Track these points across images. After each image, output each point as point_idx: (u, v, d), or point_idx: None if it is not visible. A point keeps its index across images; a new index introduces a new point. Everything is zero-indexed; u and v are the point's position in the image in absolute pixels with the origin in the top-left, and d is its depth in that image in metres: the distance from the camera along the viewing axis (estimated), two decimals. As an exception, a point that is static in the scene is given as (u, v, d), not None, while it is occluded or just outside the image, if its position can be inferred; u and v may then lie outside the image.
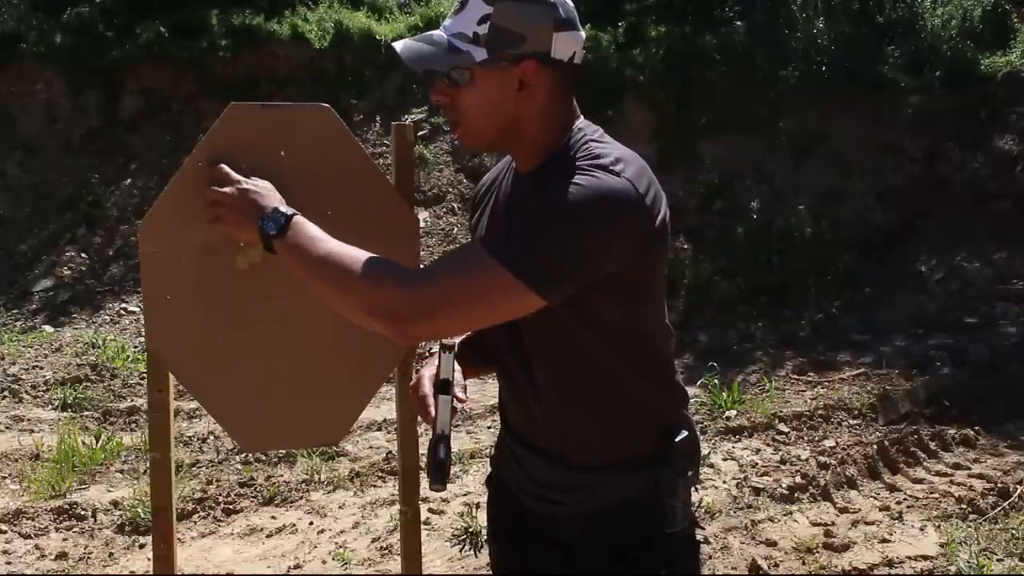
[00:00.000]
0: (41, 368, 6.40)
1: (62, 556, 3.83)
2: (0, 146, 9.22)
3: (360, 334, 1.57)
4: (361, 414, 2.04)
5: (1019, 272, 6.87)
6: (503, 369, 1.70)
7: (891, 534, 3.86)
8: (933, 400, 5.28)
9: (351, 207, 1.83)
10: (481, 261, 1.42)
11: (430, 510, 4.08)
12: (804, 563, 3.65)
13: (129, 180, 9.07)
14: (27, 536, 4.01)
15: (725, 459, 4.66)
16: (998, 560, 3.63)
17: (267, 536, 4.01)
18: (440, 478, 1.54)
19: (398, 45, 1.56)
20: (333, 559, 3.78)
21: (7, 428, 5.37)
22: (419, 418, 1.70)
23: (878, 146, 7.78)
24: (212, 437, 5.12)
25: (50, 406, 5.79)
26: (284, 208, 1.58)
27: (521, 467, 1.69)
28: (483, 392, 5.32)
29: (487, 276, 1.41)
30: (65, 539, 4.00)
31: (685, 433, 1.61)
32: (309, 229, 1.55)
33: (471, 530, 3.85)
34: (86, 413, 5.66)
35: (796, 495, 4.22)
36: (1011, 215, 7.20)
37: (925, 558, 3.66)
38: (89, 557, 3.84)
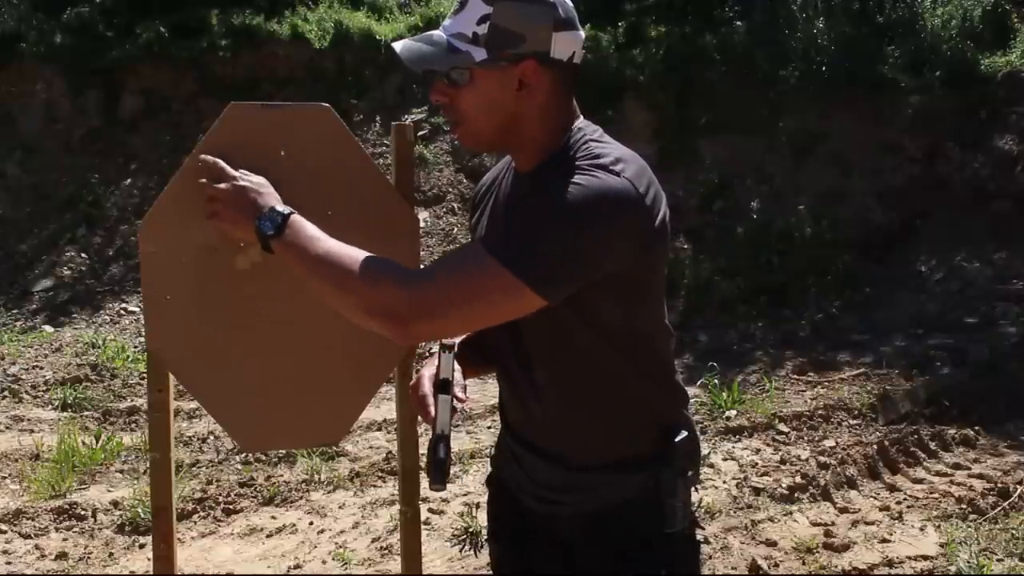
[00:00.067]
0: (41, 368, 6.40)
1: (62, 556, 3.83)
2: (0, 146, 9.22)
3: (360, 334, 1.57)
4: (361, 414, 2.04)
5: (1019, 272, 6.87)
6: (503, 369, 1.70)
7: (891, 534, 3.86)
8: (933, 400, 5.28)
9: (351, 207, 1.83)
10: (481, 261, 1.42)
11: (430, 510, 4.08)
12: (804, 563, 3.65)
13: (129, 180, 9.07)
14: (27, 536, 4.01)
15: (725, 459, 4.66)
16: (998, 560, 3.63)
17: (267, 536, 4.01)
18: (440, 478, 1.54)
19: (398, 45, 1.56)
20: (333, 559, 3.78)
21: (7, 428, 5.37)
22: (419, 418, 1.70)
23: (878, 146, 7.78)
24: (212, 437, 5.12)
25: (50, 406, 5.79)
26: (281, 207, 1.57)
27: (521, 467, 1.69)
28: (483, 392, 5.32)
29: (487, 276, 1.41)
30: (65, 539, 4.00)
31: (685, 433, 1.61)
32: (307, 228, 1.54)
33: (471, 530, 3.85)
34: (86, 413, 5.66)
35: (796, 495, 4.22)
36: (1011, 215, 7.20)
37: (925, 558, 3.66)
38: (89, 557, 3.84)
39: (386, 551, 3.80)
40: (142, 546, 3.88)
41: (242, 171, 1.66)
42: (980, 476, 4.42)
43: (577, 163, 1.47)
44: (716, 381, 5.56)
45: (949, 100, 7.75)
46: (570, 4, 1.54)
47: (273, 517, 4.18)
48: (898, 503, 4.16)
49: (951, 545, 3.72)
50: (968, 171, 7.54)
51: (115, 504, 4.26)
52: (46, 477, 4.48)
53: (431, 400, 1.60)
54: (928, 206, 7.47)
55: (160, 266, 1.79)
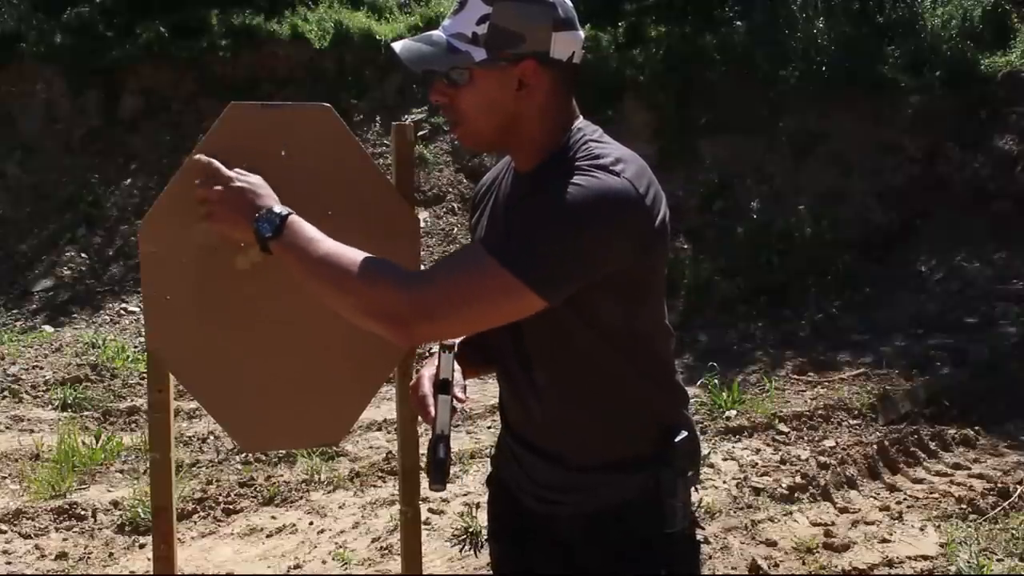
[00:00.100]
0: (41, 368, 6.40)
1: (62, 556, 3.83)
2: (0, 146, 9.22)
3: (361, 334, 1.56)
4: (361, 414, 2.04)
5: (1019, 272, 6.87)
6: (503, 369, 1.69)
7: (891, 534, 3.86)
8: (933, 400, 5.28)
9: (351, 207, 1.83)
10: (481, 261, 1.42)
11: (430, 510, 4.08)
12: (804, 563, 3.65)
13: (129, 180, 9.07)
14: (27, 536, 4.01)
15: (725, 459, 4.66)
16: (998, 560, 3.63)
17: (267, 536, 4.01)
18: (440, 478, 1.54)
19: (397, 46, 1.55)
20: (333, 559, 3.78)
21: (7, 428, 5.37)
22: (419, 418, 1.70)
23: (878, 146, 7.78)
24: (212, 437, 5.12)
25: (50, 406, 5.79)
26: (278, 208, 1.55)
27: (521, 467, 1.69)
28: (483, 392, 5.32)
29: (487, 277, 1.41)
30: (65, 539, 4.00)
31: (685, 433, 1.61)
32: (305, 230, 1.52)
33: (471, 530, 3.85)
34: (86, 413, 5.66)
35: (796, 495, 4.22)
36: (1011, 215, 7.21)
37: (925, 558, 3.66)
38: (89, 557, 3.84)
39: (386, 551, 3.80)
40: (142, 546, 3.88)
41: (238, 171, 1.63)
42: (980, 476, 4.42)
43: (577, 163, 1.47)
44: (716, 381, 5.56)
45: (949, 100, 7.75)
46: (569, 4, 1.54)
47: (273, 517, 4.18)
48: (898, 503, 4.16)
49: (951, 545, 3.72)
50: (968, 171, 7.55)
51: (115, 504, 4.26)
52: (46, 477, 4.48)
53: (431, 400, 1.60)
54: (928, 206, 7.47)
55: (160, 266, 1.79)
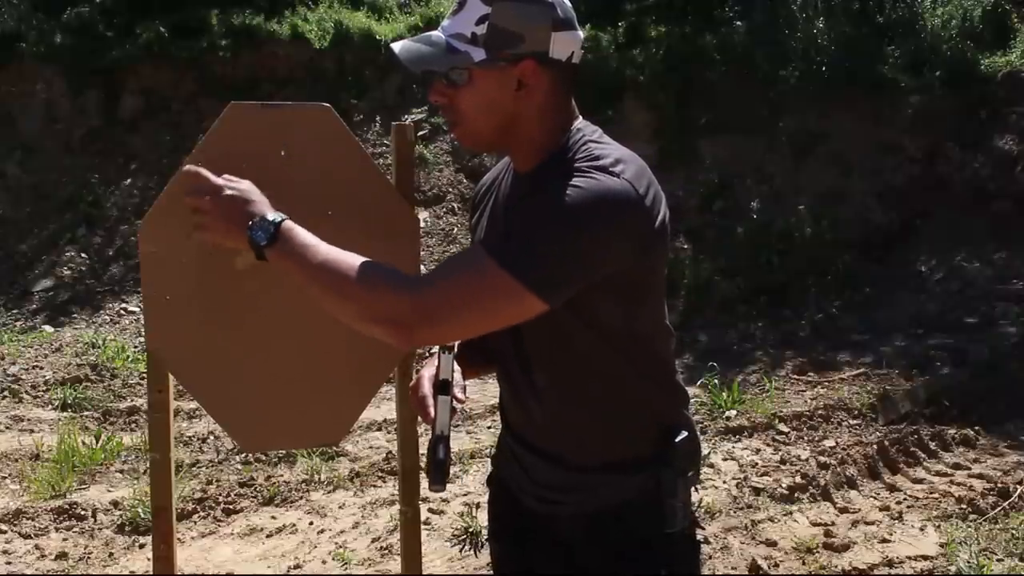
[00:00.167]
0: (41, 368, 6.41)
1: (62, 556, 3.83)
2: (0, 146, 9.22)
3: (360, 335, 1.56)
4: (361, 414, 2.04)
5: (1019, 272, 6.87)
6: (503, 370, 1.69)
7: (891, 534, 3.86)
8: (933, 400, 5.28)
9: (351, 207, 1.83)
10: (480, 263, 1.42)
11: (430, 510, 4.08)
12: (804, 563, 3.65)
13: (129, 180, 9.07)
14: (27, 536, 4.01)
15: (725, 459, 4.66)
16: (998, 560, 3.63)
17: (267, 536, 4.01)
18: (440, 478, 1.54)
19: (396, 46, 1.55)
20: (333, 559, 3.78)
21: (7, 428, 5.37)
22: (419, 418, 1.70)
23: (878, 146, 7.78)
24: (212, 437, 5.12)
25: (50, 406, 5.79)
26: (272, 215, 1.52)
27: (521, 467, 1.69)
28: (483, 392, 5.32)
29: (486, 278, 1.40)
30: (65, 539, 4.00)
31: (685, 433, 1.61)
32: (300, 236, 1.50)
33: (471, 530, 3.85)
34: (86, 413, 5.66)
35: (796, 495, 4.22)
36: (1011, 215, 7.21)
37: (925, 558, 3.66)
38: (89, 557, 3.84)
39: (386, 551, 3.80)
40: (142, 546, 3.88)
41: (227, 177, 1.60)
42: (980, 476, 4.42)
43: (576, 164, 1.47)
44: (716, 381, 5.56)
45: (949, 100, 7.75)
46: (568, 4, 1.54)
47: (273, 517, 4.18)
48: (898, 503, 4.16)
49: (951, 545, 3.72)
50: (968, 171, 7.55)
51: (115, 504, 4.26)
52: (46, 477, 4.48)
53: (431, 401, 1.60)
54: (928, 206, 7.47)
55: (160, 266, 1.79)
